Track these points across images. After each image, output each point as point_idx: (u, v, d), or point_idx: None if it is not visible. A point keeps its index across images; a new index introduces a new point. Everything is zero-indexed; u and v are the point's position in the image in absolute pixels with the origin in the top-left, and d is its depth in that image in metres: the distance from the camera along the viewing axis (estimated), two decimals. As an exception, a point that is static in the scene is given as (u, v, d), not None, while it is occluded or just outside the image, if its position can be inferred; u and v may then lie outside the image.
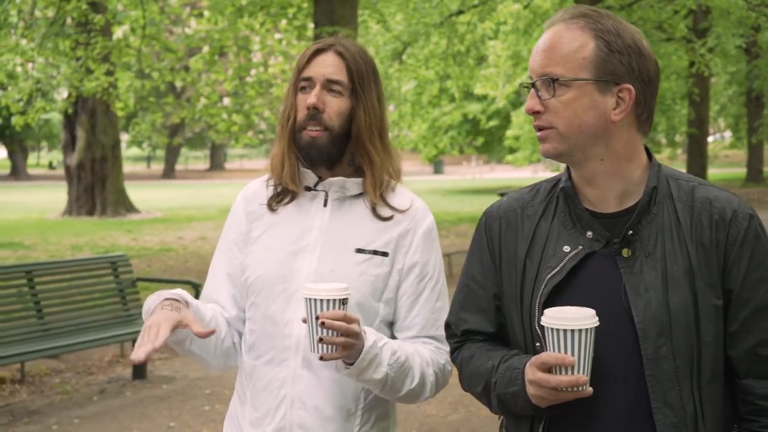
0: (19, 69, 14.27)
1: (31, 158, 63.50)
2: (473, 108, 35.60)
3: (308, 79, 2.21)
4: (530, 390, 1.76)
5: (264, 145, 49.26)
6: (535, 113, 1.79)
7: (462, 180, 46.35)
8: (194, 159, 71.48)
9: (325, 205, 2.23)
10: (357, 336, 1.98)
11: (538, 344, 1.82)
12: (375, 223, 2.22)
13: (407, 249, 2.22)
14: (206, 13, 17.34)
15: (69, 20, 14.94)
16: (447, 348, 2.15)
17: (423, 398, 2.21)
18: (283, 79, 17.72)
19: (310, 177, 2.23)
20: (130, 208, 23.40)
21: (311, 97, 2.18)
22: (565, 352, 1.68)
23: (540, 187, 1.96)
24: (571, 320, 1.67)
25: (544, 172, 39.80)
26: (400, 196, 2.28)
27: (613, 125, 1.76)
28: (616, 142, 1.78)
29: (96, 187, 22.64)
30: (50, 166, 64.65)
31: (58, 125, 44.17)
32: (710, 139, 40.00)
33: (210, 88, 17.40)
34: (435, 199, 31.98)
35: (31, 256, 14.78)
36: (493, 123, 36.04)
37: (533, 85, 1.78)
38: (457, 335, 2.00)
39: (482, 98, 33.71)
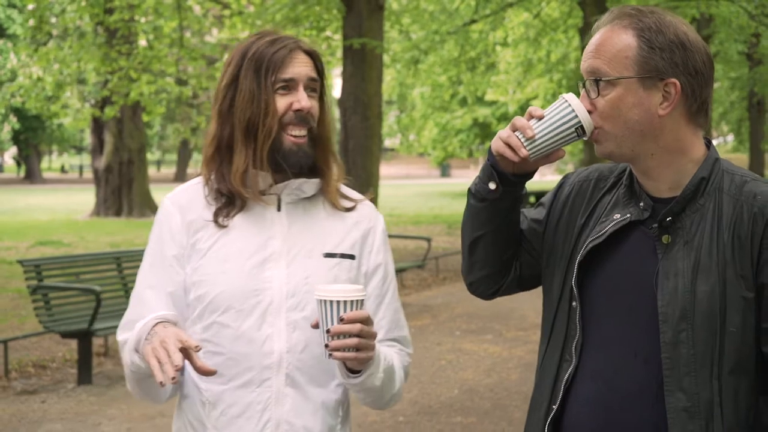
0: (67, 78, 15.22)
1: (43, 162, 64.42)
2: (483, 112, 36.41)
3: (290, 80, 2.02)
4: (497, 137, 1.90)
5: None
6: None
7: (469, 183, 46.95)
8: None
9: (279, 209, 2.06)
10: (374, 337, 1.91)
11: (574, 303, 1.88)
12: (335, 224, 2.10)
13: (370, 250, 2.13)
14: (227, 22, 18.19)
15: (100, 30, 15.88)
16: (409, 350, 2.18)
17: (393, 404, 2.13)
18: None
19: (264, 180, 2.03)
20: (154, 209, 24.37)
21: (302, 100, 2.01)
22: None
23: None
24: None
25: (552, 176, 40.58)
26: (349, 191, 2.18)
27: (660, 120, 1.79)
28: (666, 136, 1.80)
29: (123, 189, 23.72)
30: (62, 169, 65.73)
31: (69, 129, 45.09)
32: (714, 142, 40.72)
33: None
34: (446, 201, 32.88)
35: (73, 252, 15.64)
36: (502, 126, 36.83)
37: (584, 85, 1.84)
38: None
39: (492, 102, 34.53)
